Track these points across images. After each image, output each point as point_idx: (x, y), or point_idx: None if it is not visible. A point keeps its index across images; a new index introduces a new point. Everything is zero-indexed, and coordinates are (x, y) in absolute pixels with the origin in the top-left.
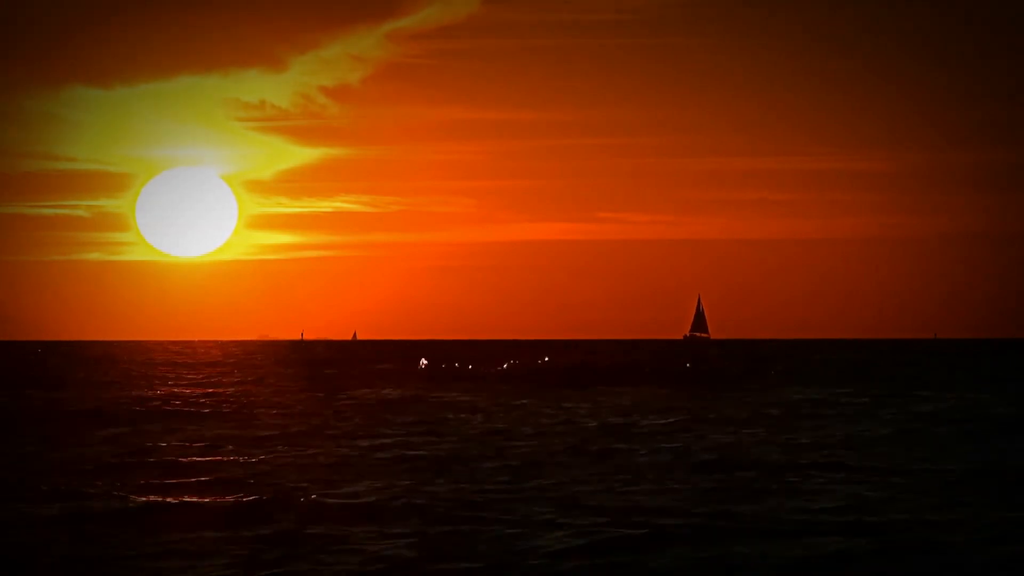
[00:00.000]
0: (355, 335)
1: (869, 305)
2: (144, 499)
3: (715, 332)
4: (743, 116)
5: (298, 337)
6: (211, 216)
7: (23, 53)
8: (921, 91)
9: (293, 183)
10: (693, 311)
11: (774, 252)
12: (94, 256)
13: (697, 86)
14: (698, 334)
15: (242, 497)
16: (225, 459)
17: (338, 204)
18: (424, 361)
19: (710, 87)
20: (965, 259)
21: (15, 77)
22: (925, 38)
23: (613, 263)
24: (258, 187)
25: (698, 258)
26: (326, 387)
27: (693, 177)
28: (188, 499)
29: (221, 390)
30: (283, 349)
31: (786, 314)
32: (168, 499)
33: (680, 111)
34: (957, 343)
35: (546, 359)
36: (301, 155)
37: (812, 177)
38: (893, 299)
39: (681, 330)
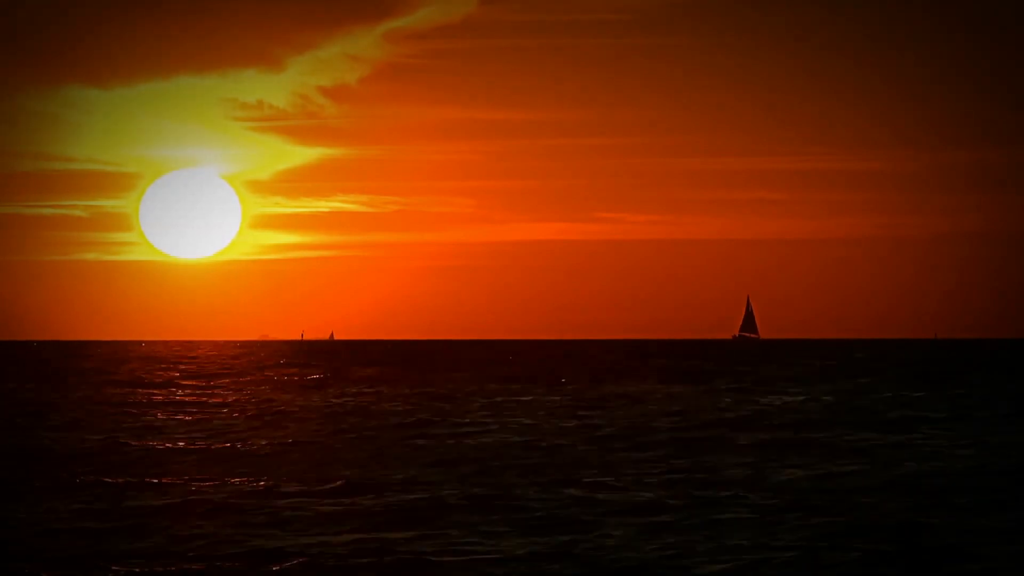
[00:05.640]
0: (332, 335)
1: (869, 305)
2: None
3: (714, 332)
4: (741, 116)
5: (298, 337)
6: (216, 217)
7: (22, 53)
8: (920, 91)
9: (291, 183)
10: (738, 311)
11: (773, 252)
12: (92, 256)
13: (696, 86)
14: (748, 334)
15: None
16: None
17: (336, 204)
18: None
19: (708, 87)
20: (965, 259)
21: (14, 77)
22: (923, 38)
23: (611, 263)
24: (256, 187)
25: (697, 258)
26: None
27: (691, 177)
28: None
29: None
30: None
31: (785, 314)
32: None
33: (679, 111)
34: (957, 343)
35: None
36: (299, 155)
37: (811, 177)
38: (893, 299)
39: (680, 331)
